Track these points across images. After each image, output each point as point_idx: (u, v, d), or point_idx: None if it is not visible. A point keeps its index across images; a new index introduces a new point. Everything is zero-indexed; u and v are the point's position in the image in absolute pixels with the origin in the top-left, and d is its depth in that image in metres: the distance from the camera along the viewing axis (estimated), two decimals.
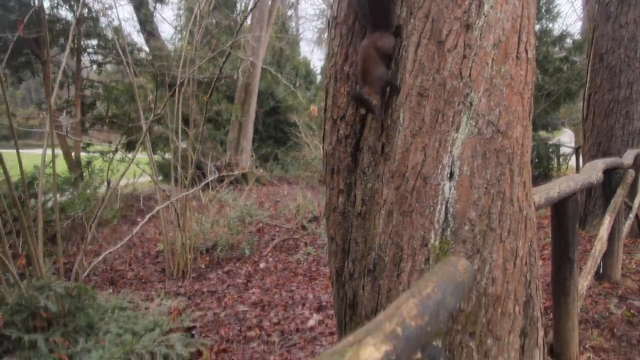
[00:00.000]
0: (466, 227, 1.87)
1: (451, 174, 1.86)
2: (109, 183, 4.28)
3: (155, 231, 9.13)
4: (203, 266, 7.15)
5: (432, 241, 1.86)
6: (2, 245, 4.15)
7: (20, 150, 4.13)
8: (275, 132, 18.66)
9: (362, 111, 2.04)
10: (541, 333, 2.27)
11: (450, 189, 1.86)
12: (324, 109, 2.22)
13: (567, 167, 15.82)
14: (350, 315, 2.14)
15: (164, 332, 3.83)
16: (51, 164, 4.81)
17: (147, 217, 4.59)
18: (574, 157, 15.99)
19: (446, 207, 1.86)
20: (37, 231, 4.25)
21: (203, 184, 5.95)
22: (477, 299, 1.90)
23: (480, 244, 1.88)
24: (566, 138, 22.02)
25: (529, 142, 2.05)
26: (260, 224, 8.81)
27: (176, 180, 7.23)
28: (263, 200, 11.08)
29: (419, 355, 1.11)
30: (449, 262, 1.51)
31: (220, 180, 9.31)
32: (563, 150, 16.88)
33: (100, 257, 4.28)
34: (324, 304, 5.14)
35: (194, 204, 8.74)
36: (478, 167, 1.87)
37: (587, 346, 3.73)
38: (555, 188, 2.91)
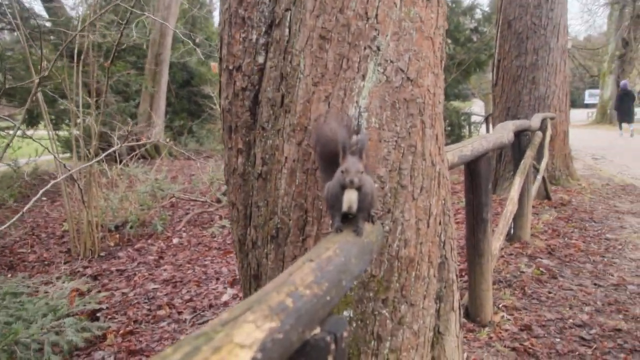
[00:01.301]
0: (375, 185, 1.71)
1: (358, 127, 1.69)
2: None
3: (62, 211, 8.54)
4: (112, 244, 6.73)
5: None
6: None
7: None
8: (189, 104, 18.01)
9: (260, 60, 1.82)
10: (457, 296, 2.18)
11: None
12: (219, 59, 1.99)
13: (478, 135, 16.31)
14: (255, 287, 1.95)
15: (62, 317, 3.50)
16: None
17: (40, 192, 4.16)
18: (484, 126, 16.59)
19: None
20: None
21: (105, 154, 5.51)
22: (389, 263, 1.76)
23: (391, 203, 1.74)
24: (477, 108, 22.75)
25: (441, 91, 1.92)
26: (174, 199, 8.43)
27: (80, 155, 6.73)
28: (176, 175, 10.63)
29: (317, 330, 0.93)
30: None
31: (130, 151, 8.81)
32: (474, 118, 17.43)
33: None
34: (239, 277, 4.94)
35: (103, 181, 8.24)
36: (387, 118, 1.71)
37: (500, 306, 3.75)
38: (468, 146, 2.83)
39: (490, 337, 3.28)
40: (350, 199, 1.35)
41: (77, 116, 6.82)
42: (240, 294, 4.56)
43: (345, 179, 1.31)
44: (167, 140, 8.50)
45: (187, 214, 7.89)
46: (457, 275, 2.19)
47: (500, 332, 3.34)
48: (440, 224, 1.97)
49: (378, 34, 1.67)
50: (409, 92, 1.74)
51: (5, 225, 3.86)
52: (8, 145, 4.03)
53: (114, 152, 6.71)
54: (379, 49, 1.68)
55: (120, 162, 8.63)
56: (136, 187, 8.19)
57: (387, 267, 1.75)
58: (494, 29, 9.54)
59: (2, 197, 7.86)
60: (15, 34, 14.67)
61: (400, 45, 1.71)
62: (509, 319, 3.53)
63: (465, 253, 3.48)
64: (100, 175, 7.93)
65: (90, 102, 6.99)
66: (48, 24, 14.63)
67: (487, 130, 15.69)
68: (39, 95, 6.11)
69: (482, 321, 3.42)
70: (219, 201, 8.05)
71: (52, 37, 13.92)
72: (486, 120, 16.43)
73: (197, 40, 16.00)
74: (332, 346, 0.92)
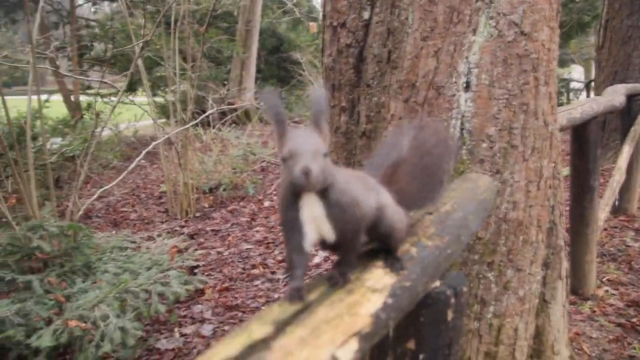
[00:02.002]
0: (484, 145, 1.64)
1: (467, 84, 1.62)
2: (97, 115, 4.07)
3: (160, 173, 8.98)
4: (207, 206, 7.01)
5: None
6: None
7: (20, 97, 3.97)
8: (278, 70, 18.17)
9: (366, 15, 1.78)
10: (564, 264, 2.09)
11: (466, 101, 1.62)
12: (323, 15, 1.96)
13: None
14: None
15: (162, 271, 3.70)
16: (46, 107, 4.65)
17: (142, 152, 4.39)
18: (584, 93, 15.65)
19: (462, 122, 1.64)
20: (28, 171, 4.07)
21: (201, 117, 5.71)
22: (496, 226, 1.70)
23: (501, 164, 1.67)
24: (576, 75, 21.48)
25: (556, 46, 1.80)
26: (264, 163, 8.62)
27: (176, 120, 7.01)
28: (267, 140, 10.84)
29: (437, 283, 0.91)
30: (468, 178, 1.30)
31: (222, 116, 9.08)
32: (573, 85, 16.50)
33: (95, 195, 4.11)
34: None
35: (197, 145, 8.54)
36: (498, 75, 1.63)
37: (604, 279, 3.56)
38: (578, 109, 2.68)
39: (594, 311, 3.14)
40: (313, 214, 0.79)
41: (174, 82, 7.07)
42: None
43: (294, 171, 0.73)
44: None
45: (277, 177, 8.05)
46: (565, 242, 2.09)
47: (605, 307, 3.18)
48: (550, 187, 1.87)
49: None
50: (522, 47, 1.64)
51: (113, 184, 4.11)
52: (114, 108, 4.24)
53: (208, 116, 6.92)
54: (491, 1, 1.60)
55: (213, 127, 8.90)
56: (229, 151, 8.43)
57: (494, 229, 1.69)
58: None
59: (107, 158, 8.34)
60: (115, 4, 15.35)
61: None
62: (613, 294, 3.35)
63: (569, 222, 3.32)
64: (195, 140, 8.22)
65: (186, 67, 7.22)
66: None
67: (588, 97, 14.81)
68: (139, 61, 6.36)
69: (584, 294, 3.27)
70: None
71: (148, 7, 14.41)
72: (587, 86, 15.50)
73: (289, 6, 16.06)
74: (452, 300, 0.90)
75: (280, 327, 0.55)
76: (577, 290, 3.27)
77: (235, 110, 10.48)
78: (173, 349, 3.31)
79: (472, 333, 1.73)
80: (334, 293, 0.63)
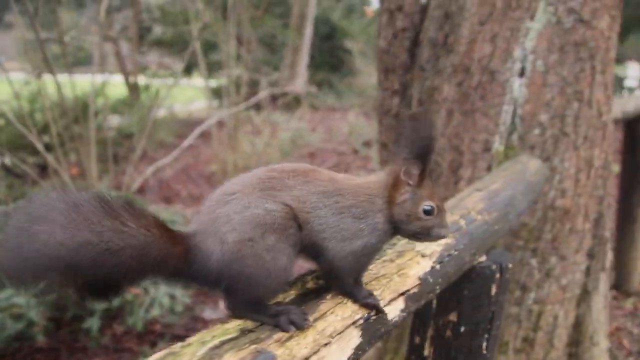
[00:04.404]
0: (536, 131, 1.66)
1: (522, 70, 1.63)
2: (157, 92, 4.23)
3: (210, 153, 9.18)
4: None
5: (495, 145, 1.67)
6: (57, 157, 4.20)
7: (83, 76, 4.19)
8: (330, 58, 18.16)
9: (423, 0, 1.81)
10: (609, 256, 2.08)
11: (519, 87, 1.64)
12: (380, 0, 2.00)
13: None
14: None
15: None
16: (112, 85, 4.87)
17: (196, 131, 4.53)
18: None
19: (514, 108, 1.65)
20: (89, 144, 4.26)
21: (254, 99, 5.83)
22: (542, 212, 1.71)
23: (551, 151, 1.68)
24: (633, 73, 20.60)
25: (616, 35, 1.79)
26: (312, 148, 8.72)
27: (229, 102, 7.17)
28: (316, 126, 10.92)
29: (483, 258, 0.95)
30: (518, 160, 1.33)
31: (273, 101, 9.22)
32: (628, 83, 15.87)
33: (151, 169, 4.29)
34: None
35: (248, 129, 8.69)
36: (554, 62, 1.64)
37: None
38: (632, 102, 2.63)
39: (636, 308, 3.10)
40: None
41: (229, 65, 7.20)
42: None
43: (443, 227, 0.71)
44: (315, 88, 8.82)
45: (324, 162, 8.14)
46: (611, 234, 2.08)
47: None
48: (600, 177, 1.87)
49: None
50: (581, 34, 1.64)
51: (167, 159, 4.26)
52: (170, 88, 4.39)
53: (259, 100, 7.05)
54: None
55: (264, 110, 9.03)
56: (278, 134, 8.56)
57: (540, 216, 1.71)
58: None
59: (162, 137, 8.59)
60: None
61: None
62: None
63: (615, 217, 3.28)
64: (246, 122, 8.37)
65: (241, 52, 7.33)
66: None
67: None
68: (197, 45, 6.51)
69: (627, 290, 3.25)
70: (355, 152, 8.20)
71: None
72: None
73: None
74: (497, 275, 0.94)
75: None
76: (620, 286, 3.25)
77: (286, 94, 10.59)
78: (218, 320, 3.43)
79: (511, 318, 1.76)
80: (385, 254, 0.68)
